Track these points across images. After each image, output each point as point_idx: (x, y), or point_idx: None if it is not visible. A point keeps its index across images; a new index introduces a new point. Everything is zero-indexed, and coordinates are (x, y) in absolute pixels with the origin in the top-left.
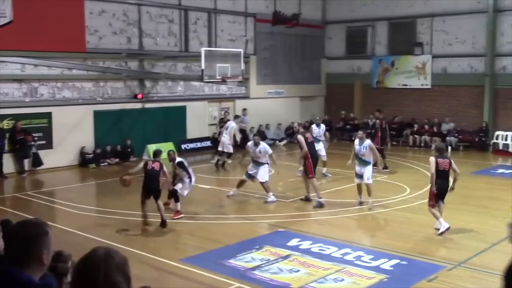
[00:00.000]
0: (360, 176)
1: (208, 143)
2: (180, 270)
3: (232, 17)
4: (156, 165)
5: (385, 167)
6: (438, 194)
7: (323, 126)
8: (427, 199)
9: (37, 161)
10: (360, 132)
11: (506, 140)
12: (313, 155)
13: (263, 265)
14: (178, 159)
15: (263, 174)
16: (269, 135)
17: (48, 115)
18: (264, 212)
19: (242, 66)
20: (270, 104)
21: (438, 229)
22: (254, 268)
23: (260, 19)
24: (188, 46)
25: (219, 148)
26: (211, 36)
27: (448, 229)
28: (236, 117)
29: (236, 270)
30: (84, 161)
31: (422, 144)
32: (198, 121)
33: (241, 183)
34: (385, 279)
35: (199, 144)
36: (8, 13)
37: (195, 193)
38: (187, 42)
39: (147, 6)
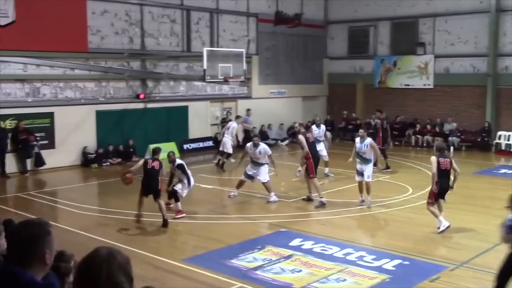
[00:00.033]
0: (361, 174)
1: (210, 143)
2: (182, 270)
3: (234, 17)
4: (156, 164)
5: (387, 167)
6: (439, 193)
7: (323, 126)
8: (428, 198)
9: (39, 161)
10: (361, 131)
11: (508, 140)
12: (314, 155)
13: (265, 265)
14: (178, 161)
15: (264, 174)
16: (271, 135)
17: (51, 115)
18: (266, 212)
19: (244, 66)
20: (272, 104)
21: (439, 228)
22: (256, 268)
23: (262, 19)
24: (190, 46)
25: (220, 148)
26: (213, 36)
27: (448, 227)
28: (237, 117)
29: (238, 270)
30: (86, 161)
31: (424, 144)
32: (200, 121)
33: (240, 184)
34: (387, 279)
35: (201, 144)
36: (10, 13)
37: (197, 193)
38: (189, 42)
39: (149, 6)
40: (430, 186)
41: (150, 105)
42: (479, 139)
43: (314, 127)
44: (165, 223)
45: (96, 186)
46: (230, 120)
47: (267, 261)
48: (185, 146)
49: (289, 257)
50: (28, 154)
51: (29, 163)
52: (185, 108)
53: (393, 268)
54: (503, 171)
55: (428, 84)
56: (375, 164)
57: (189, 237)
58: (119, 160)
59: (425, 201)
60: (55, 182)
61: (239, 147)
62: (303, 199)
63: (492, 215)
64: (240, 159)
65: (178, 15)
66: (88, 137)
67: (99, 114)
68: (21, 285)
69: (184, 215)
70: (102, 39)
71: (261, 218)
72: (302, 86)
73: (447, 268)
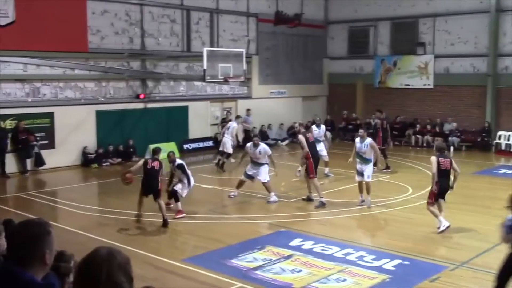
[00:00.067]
0: (361, 174)
1: (210, 143)
2: (182, 270)
3: (234, 17)
4: (156, 164)
5: (387, 167)
6: (439, 193)
7: (323, 126)
8: (428, 198)
9: (39, 161)
10: (361, 131)
11: (508, 140)
12: (314, 155)
13: (265, 265)
14: (178, 161)
15: (264, 174)
16: (271, 135)
17: (51, 115)
18: (266, 212)
19: (244, 66)
20: (272, 104)
21: (439, 228)
22: (256, 268)
23: (262, 19)
24: (190, 46)
25: (220, 148)
26: (213, 36)
27: (448, 227)
28: (237, 117)
29: (238, 270)
30: (86, 161)
31: (425, 144)
32: (200, 121)
33: (240, 184)
34: (387, 279)
35: (201, 144)
36: (10, 13)
37: (198, 193)
38: (189, 42)
39: (149, 6)
40: (430, 186)
41: (150, 105)
42: (479, 139)
43: (314, 127)
44: (165, 223)
45: (96, 186)
46: (230, 120)
47: (267, 261)
48: (185, 146)
49: (289, 257)
50: (28, 154)
51: (29, 163)
52: (185, 108)
53: (393, 268)
54: (503, 171)
55: (428, 84)
56: (375, 164)
57: (189, 237)
58: (119, 160)
59: (425, 201)
60: (55, 182)
61: (239, 147)
62: (303, 199)
63: (492, 215)
64: (240, 159)
65: (178, 15)
66: (88, 137)
67: (99, 114)
68: (21, 285)
69: (184, 215)
70: (102, 39)
71: (261, 218)
72: (302, 86)
73: (447, 268)
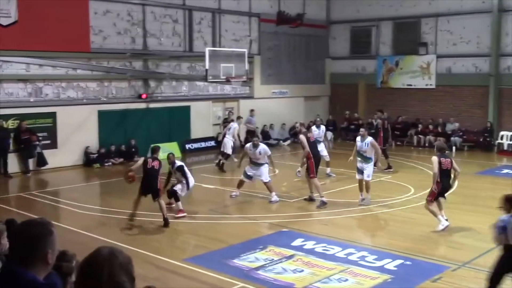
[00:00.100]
0: (362, 172)
1: (212, 143)
2: (184, 270)
3: (236, 17)
4: (156, 164)
5: (389, 167)
6: (440, 192)
7: (323, 127)
8: (428, 196)
9: (41, 161)
10: (362, 130)
11: (510, 140)
12: (315, 155)
13: (267, 265)
14: (178, 163)
15: (266, 174)
16: (273, 135)
17: (53, 115)
18: (267, 212)
19: (246, 66)
20: (274, 104)
21: (446, 226)
22: (258, 268)
23: (264, 19)
24: (192, 46)
25: (221, 149)
26: (215, 36)
27: (447, 226)
28: (238, 118)
29: (240, 270)
30: (89, 161)
31: (427, 144)
32: (202, 121)
33: (240, 184)
34: (389, 280)
35: (203, 144)
36: (12, 13)
37: (199, 193)
38: (191, 42)
39: (152, 6)
40: (432, 187)
41: (152, 105)
42: (481, 139)
43: (314, 127)
44: (166, 223)
45: (98, 186)
46: (232, 121)
47: (269, 261)
48: (187, 146)
49: (291, 257)
50: (30, 154)
51: (31, 163)
52: (187, 108)
53: (395, 268)
54: (505, 171)
55: (430, 84)
56: (375, 164)
57: (191, 237)
58: (121, 160)
59: (427, 200)
60: (57, 182)
61: (242, 147)
62: (305, 199)
63: (494, 215)
64: (240, 160)
65: (180, 15)
66: (90, 137)
67: (101, 114)
68: (23, 284)
69: (185, 214)
70: (104, 39)
71: (263, 218)
72: (304, 86)
73: (449, 268)
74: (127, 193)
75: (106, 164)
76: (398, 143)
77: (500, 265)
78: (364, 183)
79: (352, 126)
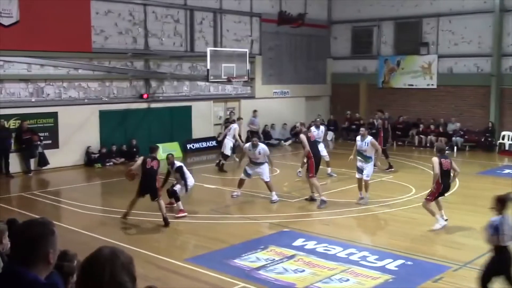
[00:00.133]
0: (361, 171)
1: (213, 143)
2: (185, 270)
3: (237, 17)
4: (155, 164)
5: (390, 166)
6: (441, 193)
7: (322, 127)
8: (427, 195)
9: (43, 161)
10: (362, 129)
11: None
12: (316, 154)
13: (268, 265)
14: (177, 163)
15: (267, 173)
16: (274, 135)
17: (54, 115)
18: (268, 212)
19: (248, 66)
20: (275, 104)
21: (443, 225)
22: (259, 268)
23: (265, 19)
24: (193, 46)
25: (222, 150)
26: (217, 36)
27: (444, 226)
28: (238, 119)
29: (241, 270)
30: (90, 160)
31: (428, 144)
32: (204, 121)
33: (241, 183)
34: (390, 280)
35: (204, 144)
36: (14, 13)
37: (200, 193)
38: (192, 42)
39: (153, 6)
40: (431, 187)
41: (153, 105)
42: (482, 139)
43: (313, 128)
44: (166, 222)
45: (99, 185)
46: (234, 121)
47: (270, 261)
48: (188, 146)
49: (292, 257)
50: (31, 154)
51: (32, 162)
52: (189, 108)
53: (396, 268)
54: (506, 171)
55: (432, 84)
56: (375, 164)
57: (192, 237)
58: (122, 160)
59: (426, 198)
60: (59, 182)
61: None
62: (306, 199)
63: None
64: (239, 160)
65: (182, 15)
66: (91, 137)
67: (103, 114)
68: (25, 284)
69: (185, 214)
70: (105, 39)
71: (264, 218)
72: (305, 86)
73: (450, 269)
74: (129, 193)
75: (108, 164)
76: (400, 143)
77: (491, 266)
78: (363, 182)
79: (353, 126)
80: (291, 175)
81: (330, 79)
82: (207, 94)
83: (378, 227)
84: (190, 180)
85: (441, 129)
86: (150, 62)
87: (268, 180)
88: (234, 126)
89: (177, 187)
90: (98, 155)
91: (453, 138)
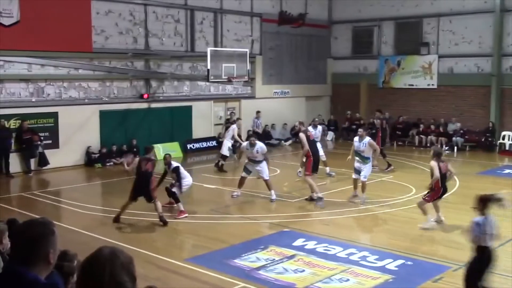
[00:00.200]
0: (358, 172)
1: (213, 143)
2: (185, 270)
3: (238, 17)
4: (149, 167)
5: (389, 165)
6: (440, 195)
7: (320, 127)
8: (426, 196)
9: (43, 161)
10: (360, 130)
11: None
12: (315, 154)
13: (268, 265)
14: (174, 164)
15: (266, 171)
16: (274, 135)
17: (55, 115)
18: (268, 212)
19: (248, 66)
20: (275, 104)
21: (440, 221)
22: (259, 268)
23: (266, 19)
24: (194, 46)
25: (221, 150)
26: (217, 36)
27: (432, 227)
28: (237, 119)
29: (241, 270)
30: (90, 160)
31: (428, 144)
32: (204, 121)
33: (241, 182)
34: (391, 280)
35: (204, 144)
36: (15, 13)
37: (200, 193)
38: (193, 42)
39: (153, 6)
40: (430, 189)
41: (153, 105)
42: (483, 139)
43: (310, 128)
44: (163, 222)
45: (99, 185)
46: (234, 121)
47: (270, 261)
48: (188, 146)
49: (292, 257)
50: (32, 154)
51: (33, 162)
52: (189, 108)
53: (396, 268)
54: (507, 171)
55: (432, 84)
56: (373, 165)
57: (192, 237)
58: (123, 160)
59: (424, 198)
60: (59, 182)
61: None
62: (306, 199)
63: (496, 215)
64: (238, 159)
65: (182, 15)
66: (91, 137)
67: (103, 114)
68: (25, 284)
69: (186, 215)
70: (106, 39)
71: (264, 218)
72: (305, 86)
73: (450, 269)
74: (128, 193)
75: (108, 164)
76: (400, 143)
77: (474, 266)
78: (360, 183)
79: (354, 126)
80: (291, 175)
81: (330, 79)
82: (207, 94)
83: (378, 227)
84: (188, 180)
85: (441, 129)
86: (151, 62)
87: (267, 178)
88: (233, 126)
89: (174, 188)
90: (98, 155)
91: (454, 138)
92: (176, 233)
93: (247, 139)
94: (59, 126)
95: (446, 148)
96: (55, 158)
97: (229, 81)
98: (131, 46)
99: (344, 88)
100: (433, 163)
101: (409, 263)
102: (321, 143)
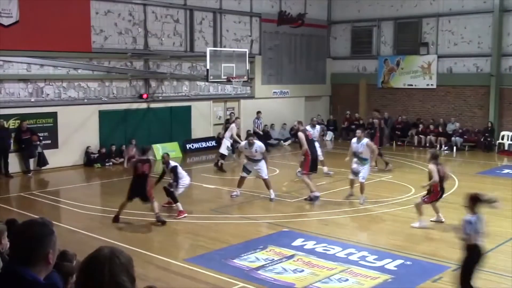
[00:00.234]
0: (355, 173)
1: (213, 143)
2: (184, 270)
3: (237, 17)
4: (146, 168)
5: (386, 164)
6: (439, 197)
7: (318, 127)
8: (425, 198)
9: (42, 161)
10: (358, 131)
11: (511, 140)
12: (313, 153)
13: (267, 265)
14: (172, 163)
15: (265, 170)
16: (274, 135)
17: (54, 115)
18: (268, 212)
19: (247, 66)
20: (275, 104)
21: (440, 221)
22: (258, 268)
23: (265, 19)
24: (193, 46)
25: (220, 150)
26: (217, 36)
27: (423, 227)
28: (236, 119)
29: (241, 270)
30: (89, 160)
31: (427, 144)
32: (203, 121)
33: (241, 181)
34: (390, 279)
35: (203, 144)
36: (14, 13)
37: (200, 193)
38: (192, 42)
39: (153, 6)
40: (428, 190)
41: (153, 105)
42: (482, 139)
43: (308, 127)
44: (161, 222)
45: (98, 186)
46: (234, 121)
47: (269, 261)
48: (187, 146)
49: (291, 257)
50: (31, 154)
51: (32, 163)
52: (188, 108)
53: (395, 268)
54: (506, 171)
55: (431, 84)
56: (371, 165)
57: (191, 237)
58: (122, 160)
59: (423, 199)
60: (58, 182)
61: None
62: (305, 199)
63: (495, 215)
64: (238, 158)
65: (182, 15)
66: (91, 137)
67: (102, 114)
68: (25, 284)
69: (185, 215)
70: (105, 39)
71: (263, 218)
72: (305, 86)
73: (449, 268)
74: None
75: (107, 164)
76: (399, 143)
77: (467, 266)
78: (359, 183)
79: (353, 126)
80: (290, 175)
81: (329, 79)
82: (206, 94)
83: (377, 227)
84: (185, 180)
85: (440, 129)
86: (150, 62)
87: (266, 177)
88: (232, 126)
89: (173, 188)
90: (97, 155)
91: (453, 138)
92: (176, 233)
93: (246, 139)
94: (58, 126)
95: (445, 148)
96: (54, 158)
97: (229, 81)
98: (130, 46)
99: (343, 88)
100: (432, 167)
101: (408, 263)
102: (319, 142)
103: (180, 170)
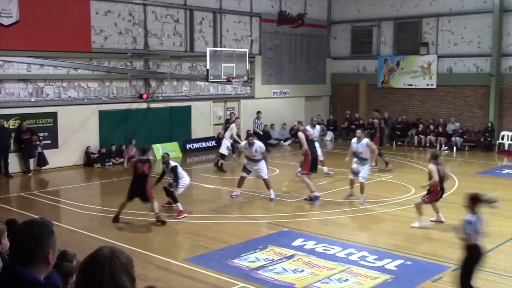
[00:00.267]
0: (355, 173)
1: (213, 143)
2: (184, 270)
3: (237, 17)
4: (146, 169)
5: (386, 164)
6: (439, 197)
7: (318, 127)
8: (425, 198)
9: (42, 161)
10: (358, 131)
11: (511, 140)
12: (313, 153)
13: (267, 265)
14: (172, 163)
15: (265, 170)
16: (274, 135)
17: (54, 115)
18: (268, 212)
19: (247, 66)
20: (275, 104)
21: (440, 221)
22: (258, 268)
23: (265, 19)
24: (193, 46)
25: (220, 150)
26: (217, 36)
27: (423, 227)
28: (236, 118)
29: (241, 270)
30: (89, 160)
31: (427, 144)
32: (203, 121)
33: (241, 181)
34: (390, 279)
35: (203, 144)
36: (14, 13)
37: (199, 193)
38: (192, 42)
39: (153, 6)
40: (428, 190)
41: (153, 105)
42: (482, 139)
43: (308, 127)
44: (160, 222)
45: (98, 186)
46: (234, 121)
47: (269, 261)
48: (187, 146)
49: (291, 257)
50: (31, 154)
51: (32, 163)
52: (188, 108)
53: (395, 268)
54: (506, 171)
55: (431, 84)
56: (371, 165)
57: (191, 237)
58: (122, 160)
59: (423, 199)
60: (58, 182)
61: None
62: (305, 199)
63: (495, 215)
64: (238, 158)
65: (182, 15)
66: (91, 137)
67: (102, 114)
68: (25, 284)
69: (185, 215)
70: (105, 39)
71: (263, 218)
72: (305, 86)
73: (449, 268)
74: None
75: (107, 164)
76: (399, 143)
77: (467, 266)
78: (359, 183)
79: (353, 126)
80: (290, 175)
81: (329, 79)
82: (206, 94)
83: (377, 227)
84: (185, 180)
85: (440, 129)
86: (150, 62)
87: (266, 177)
88: (232, 126)
89: (173, 188)
90: (97, 155)
91: (453, 138)
92: (176, 233)
93: (246, 139)
94: (58, 126)
95: (445, 148)
96: (54, 158)
97: (228, 81)
98: (130, 46)
99: (343, 88)
100: (433, 167)
101: (408, 263)
102: (319, 142)
103: (180, 170)
